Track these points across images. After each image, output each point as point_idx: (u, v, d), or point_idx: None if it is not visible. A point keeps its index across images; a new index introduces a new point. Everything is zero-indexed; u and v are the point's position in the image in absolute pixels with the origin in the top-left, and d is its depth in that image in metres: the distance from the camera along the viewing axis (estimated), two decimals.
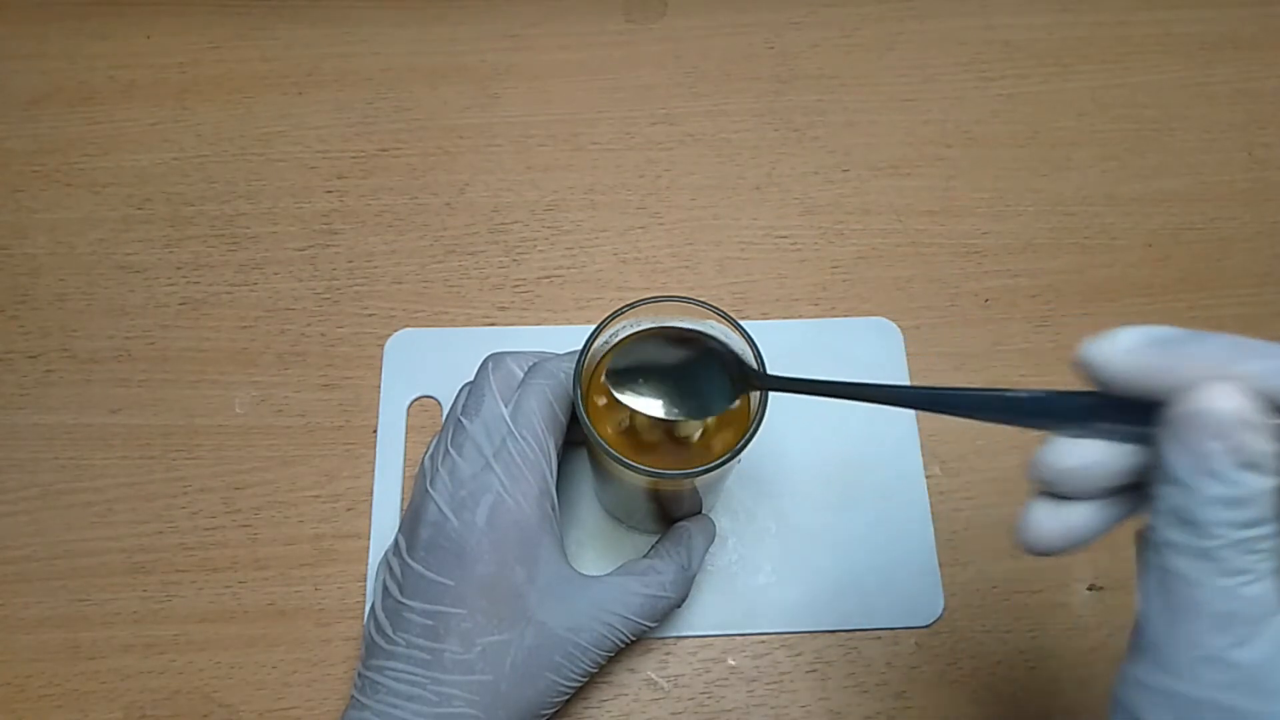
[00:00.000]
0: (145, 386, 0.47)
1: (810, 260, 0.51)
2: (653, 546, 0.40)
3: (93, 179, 0.52)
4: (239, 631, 0.42)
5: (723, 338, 0.37)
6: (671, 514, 0.42)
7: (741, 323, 0.35)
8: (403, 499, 0.45)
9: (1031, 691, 0.42)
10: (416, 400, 0.47)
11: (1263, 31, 0.59)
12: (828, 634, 0.43)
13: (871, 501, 0.45)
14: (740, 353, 0.36)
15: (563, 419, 0.37)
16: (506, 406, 0.36)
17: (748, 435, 0.33)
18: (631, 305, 0.35)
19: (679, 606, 0.39)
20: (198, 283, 0.49)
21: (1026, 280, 0.51)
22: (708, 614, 0.43)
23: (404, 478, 0.45)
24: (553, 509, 0.36)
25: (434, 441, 0.38)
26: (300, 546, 0.44)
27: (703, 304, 0.35)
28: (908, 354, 0.48)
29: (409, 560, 0.35)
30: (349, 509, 0.45)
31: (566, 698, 0.37)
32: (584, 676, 0.36)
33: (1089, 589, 0.44)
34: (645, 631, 0.38)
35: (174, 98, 0.54)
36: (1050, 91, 0.57)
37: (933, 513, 0.45)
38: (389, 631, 0.35)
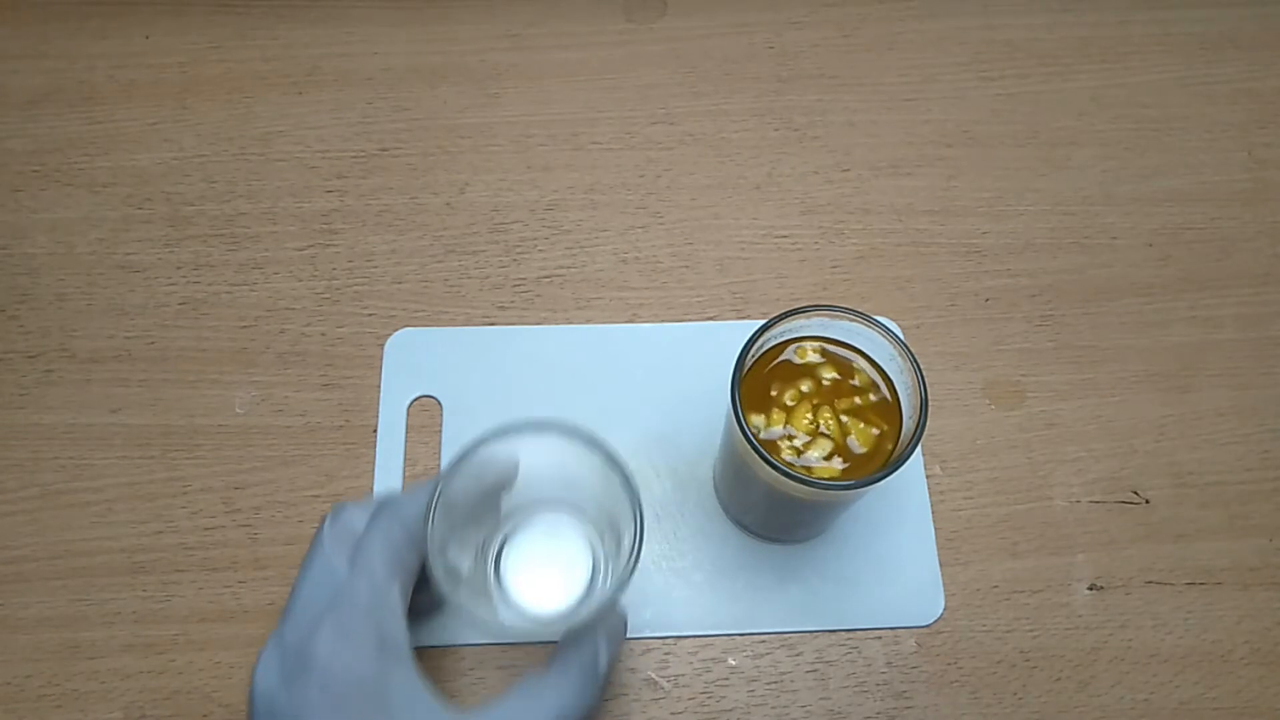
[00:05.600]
0: (145, 386, 0.47)
1: (810, 260, 0.51)
2: (552, 653, 0.35)
3: (93, 179, 0.52)
4: (239, 631, 0.42)
5: (886, 363, 0.37)
6: (797, 522, 0.42)
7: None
8: None
9: (1031, 691, 0.42)
10: (416, 400, 0.47)
11: (1263, 31, 0.59)
12: (828, 634, 0.43)
13: (871, 501, 0.45)
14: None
15: (410, 559, 0.33)
16: (344, 557, 0.33)
17: (897, 460, 0.34)
18: (800, 310, 0.35)
19: (596, 708, 0.35)
20: (198, 283, 0.49)
21: (1026, 280, 0.51)
22: (708, 614, 0.43)
23: (404, 478, 0.45)
24: (400, 658, 0.32)
25: None
26: (300, 546, 0.44)
27: (876, 322, 0.35)
28: None
29: None
30: None
31: None
32: None
33: (1089, 589, 0.44)
34: None
35: (174, 98, 0.54)
36: (1050, 91, 0.57)
37: (933, 513, 0.45)
38: None
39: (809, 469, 0.35)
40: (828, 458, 0.36)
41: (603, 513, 0.37)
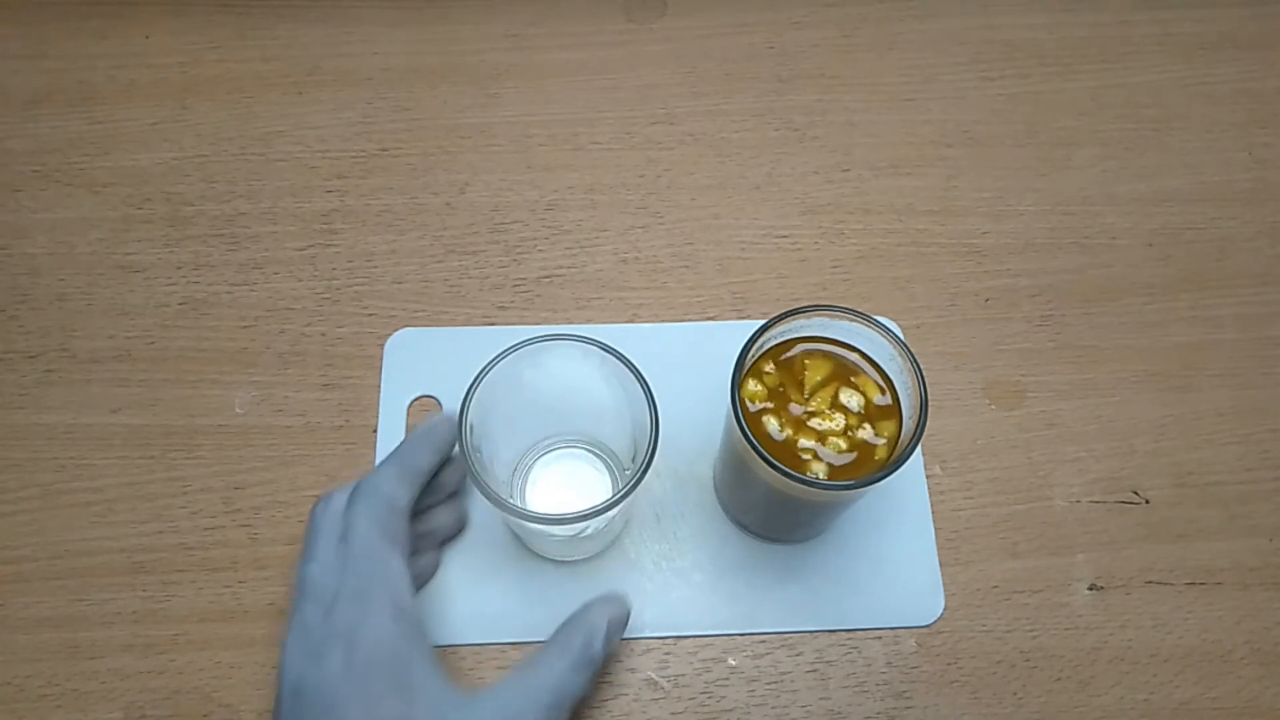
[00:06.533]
0: (145, 386, 0.47)
1: (810, 260, 0.51)
2: (552, 634, 0.36)
3: (93, 179, 0.52)
4: (239, 631, 0.42)
5: (887, 363, 0.37)
6: (797, 522, 0.42)
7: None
8: None
9: (1031, 691, 0.42)
10: (416, 400, 0.47)
11: (1263, 31, 0.59)
12: (828, 634, 0.43)
13: (872, 501, 0.45)
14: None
15: (396, 527, 0.35)
16: (340, 537, 0.35)
17: (897, 460, 0.34)
18: (800, 310, 0.36)
19: (589, 691, 0.35)
20: (198, 283, 0.49)
21: (1026, 280, 0.51)
22: (708, 614, 0.43)
23: None
24: (414, 624, 0.34)
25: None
26: (300, 546, 0.44)
27: (876, 322, 0.35)
28: None
29: None
30: None
31: None
32: None
33: (1089, 589, 0.44)
34: None
35: (174, 98, 0.54)
36: (1050, 91, 0.57)
37: (933, 513, 0.45)
38: None
39: (866, 438, 0.36)
40: (863, 413, 0.37)
41: (621, 435, 0.39)
